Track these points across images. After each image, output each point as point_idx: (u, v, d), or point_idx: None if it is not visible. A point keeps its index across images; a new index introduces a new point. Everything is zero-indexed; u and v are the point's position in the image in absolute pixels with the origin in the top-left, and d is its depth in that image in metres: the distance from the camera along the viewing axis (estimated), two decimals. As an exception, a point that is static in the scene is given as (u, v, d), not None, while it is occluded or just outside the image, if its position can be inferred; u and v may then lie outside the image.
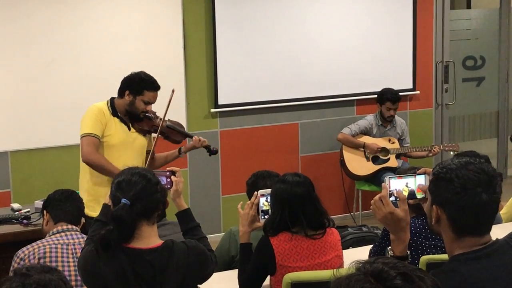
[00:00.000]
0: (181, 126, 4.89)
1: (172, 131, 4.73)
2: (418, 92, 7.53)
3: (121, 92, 4.51)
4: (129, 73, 4.54)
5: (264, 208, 3.44)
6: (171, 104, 4.58)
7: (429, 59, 7.62)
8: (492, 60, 8.35)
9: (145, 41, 6.29)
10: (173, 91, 4.50)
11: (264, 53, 6.78)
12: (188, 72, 6.48)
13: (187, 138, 4.90)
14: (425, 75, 7.60)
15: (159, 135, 4.62)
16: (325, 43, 7.01)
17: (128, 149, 4.51)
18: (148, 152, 4.72)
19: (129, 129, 4.55)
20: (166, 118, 4.60)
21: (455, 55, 7.91)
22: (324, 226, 3.36)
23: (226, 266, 3.85)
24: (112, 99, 4.55)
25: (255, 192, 3.48)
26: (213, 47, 6.53)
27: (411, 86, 7.46)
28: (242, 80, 6.73)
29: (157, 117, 4.61)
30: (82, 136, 4.45)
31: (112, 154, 4.46)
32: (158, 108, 4.61)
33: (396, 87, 6.93)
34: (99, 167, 4.44)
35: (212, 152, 4.80)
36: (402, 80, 7.36)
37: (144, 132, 4.62)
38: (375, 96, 7.10)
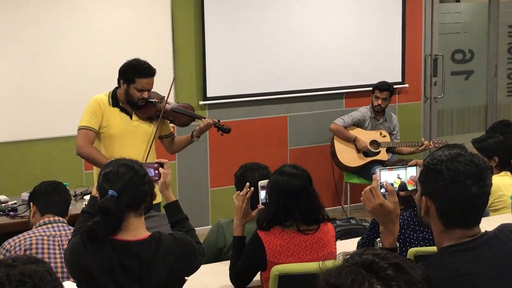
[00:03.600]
0: (190, 108, 4.82)
1: (176, 114, 4.68)
2: (407, 85, 7.53)
3: (118, 82, 4.50)
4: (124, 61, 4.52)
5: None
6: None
7: (418, 52, 7.63)
8: (481, 54, 8.37)
9: (133, 34, 6.26)
10: (173, 79, 4.51)
11: (253, 45, 6.76)
12: (176, 64, 6.44)
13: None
14: (414, 68, 7.60)
15: (164, 119, 4.62)
16: (314, 36, 7.00)
17: (129, 137, 4.50)
18: (167, 136, 4.75)
19: (131, 118, 4.53)
20: (174, 102, 4.58)
21: (444, 48, 7.92)
22: (318, 222, 3.32)
23: (214, 259, 3.83)
24: (115, 89, 4.54)
25: (247, 184, 3.46)
26: (201, 39, 6.50)
27: (400, 79, 7.46)
28: (231, 72, 6.70)
29: (161, 101, 4.58)
30: (78, 129, 4.49)
31: (113, 144, 4.48)
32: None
33: (385, 80, 6.92)
34: (90, 160, 4.48)
35: (224, 130, 4.75)
36: (391, 73, 7.35)
37: (148, 119, 4.58)
38: (364, 89, 7.10)
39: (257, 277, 3.36)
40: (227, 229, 3.79)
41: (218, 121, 4.77)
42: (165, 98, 4.60)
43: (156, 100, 4.55)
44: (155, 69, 4.47)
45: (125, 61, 4.50)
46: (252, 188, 3.44)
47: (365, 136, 6.74)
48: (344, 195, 7.17)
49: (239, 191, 3.53)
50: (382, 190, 2.51)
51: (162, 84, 4.71)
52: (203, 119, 4.68)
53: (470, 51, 8.30)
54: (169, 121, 4.72)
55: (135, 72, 4.42)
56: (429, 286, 1.52)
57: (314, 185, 3.36)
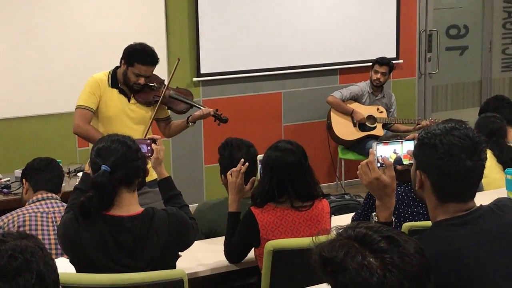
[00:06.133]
0: (189, 95, 4.78)
1: (174, 100, 4.64)
2: (401, 61, 7.51)
3: (120, 61, 4.44)
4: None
5: None
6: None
7: (413, 28, 7.59)
8: (476, 29, 8.34)
9: (127, 10, 6.20)
10: (178, 59, 4.48)
11: (247, 21, 6.72)
12: (170, 40, 6.40)
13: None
14: (409, 44, 7.58)
15: (161, 105, 4.58)
16: (308, 12, 6.95)
17: (126, 120, 4.46)
18: (164, 119, 4.71)
19: (129, 100, 4.49)
20: (173, 87, 4.56)
21: (438, 24, 7.89)
22: (312, 198, 3.29)
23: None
24: (115, 68, 4.49)
25: (241, 160, 3.45)
26: (195, 15, 6.46)
27: (394, 55, 7.43)
28: (224, 49, 6.67)
29: (160, 86, 4.54)
30: (75, 108, 4.45)
31: (111, 125, 4.43)
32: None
33: (379, 56, 6.89)
34: (88, 139, 4.45)
35: (222, 120, 4.72)
36: (385, 49, 7.31)
37: (147, 103, 4.53)
38: (359, 65, 7.08)
39: (252, 253, 3.36)
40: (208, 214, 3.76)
41: (217, 110, 4.74)
42: (165, 83, 4.56)
43: (156, 85, 4.50)
44: (158, 59, 4.40)
45: (132, 43, 4.41)
46: (247, 164, 3.44)
47: (362, 111, 6.73)
48: (339, 172, 7.17)
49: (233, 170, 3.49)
50: (378, 165, 2.50)
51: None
52: (202, 108, 4.65)
53: (464, 26, 8.27)
54: (166, 107, 4.68)
55: (137, 57, 4.34)
56: (422, 259, 1.52)
57: (309, 162, 3.34)
